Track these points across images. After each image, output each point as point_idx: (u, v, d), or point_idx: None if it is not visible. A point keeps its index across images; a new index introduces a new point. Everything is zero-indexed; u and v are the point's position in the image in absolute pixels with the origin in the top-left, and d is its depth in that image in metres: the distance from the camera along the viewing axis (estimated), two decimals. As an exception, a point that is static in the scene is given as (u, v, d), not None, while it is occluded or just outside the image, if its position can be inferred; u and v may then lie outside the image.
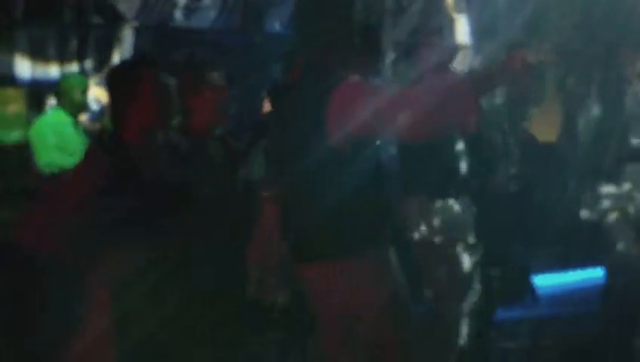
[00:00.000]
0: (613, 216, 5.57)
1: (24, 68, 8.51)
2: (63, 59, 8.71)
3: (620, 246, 5.53)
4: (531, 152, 6.90)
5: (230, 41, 9.04)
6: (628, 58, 5.68)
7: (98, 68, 8.87)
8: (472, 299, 5.02)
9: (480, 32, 9.22)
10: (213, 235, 3.91)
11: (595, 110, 5.74)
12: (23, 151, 7.38)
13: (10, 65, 8.44)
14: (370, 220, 3.74)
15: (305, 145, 3.72)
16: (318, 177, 3.69)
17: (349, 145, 3.65)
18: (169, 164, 3.88)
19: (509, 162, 5.88)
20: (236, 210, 4.22)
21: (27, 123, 7.81)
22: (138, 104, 3.79)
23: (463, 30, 9.49)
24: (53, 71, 8.68)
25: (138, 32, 9.03)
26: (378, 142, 3.83)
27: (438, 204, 5.06)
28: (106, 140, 3.96)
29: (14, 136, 8.13)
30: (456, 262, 5.03)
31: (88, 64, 8.90)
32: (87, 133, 7.10)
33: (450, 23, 9.47)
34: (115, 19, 8.96)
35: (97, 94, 7.77)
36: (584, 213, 5.73)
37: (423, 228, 5.04)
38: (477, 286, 5.05)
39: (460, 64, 5.58)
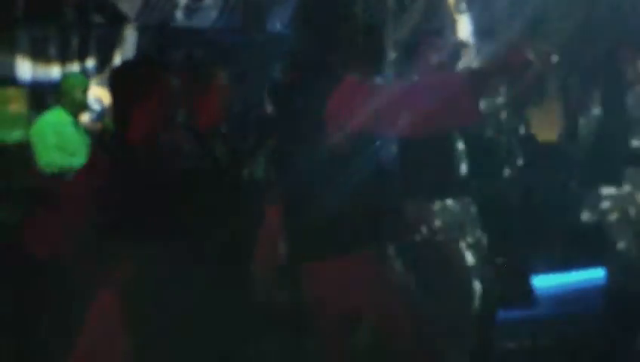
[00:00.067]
0: (613, 217, 5.57)
1: (25, 67, 8.51)
2: (64, 58, 8.71)
3: (621, 246, 5.53)
4: (532, 153, 6.90)
5: (231, 41, 9.04)
6: (629, 58, 5.67)
7: (99, 68, 8.87)
8: (472, 299, 5.02)
9: (482, 32, 9.21)
10: (217, 235, 3.91)
11: (596, 110, 5.73)
12: (24, 150, 7.38)
13: (11, 65, 8.44)
14: (370, 220, 3.74)
15: (305, 145, 3.72)
16: (318, 176, 3.69)
17: (348, 144, 3.65)
18: (172, 163, 3.88)
19: (510, 162, 5.88)
20: (240, 210, 4.21)
21: (28, 123, 7.81)
22: (141, 104, 3.79)
23: (464, 30, 9.47)
24: (54, 71, 8.68)
25: (139, 32, 9.03)
26: (378, 142, 3.83)
27: (438, 204, 5.06)
28: (108, 140, 3.96)
29: (15, 135, 8.13)
30: (457, 262, 5.03)
31: (90, 64, 8.89)
32: (89, 133, 7.11)
33: (452, 22, 9.46)
34: (117, 19, 8.96)
35: (99, 94, 7.76)
36: (585, 214, 5.73)
37: (424, 228, 5.04)
38: (477, 287, 5.04)
39: (462, 64, 5.57)
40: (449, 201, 5.07)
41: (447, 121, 3.75)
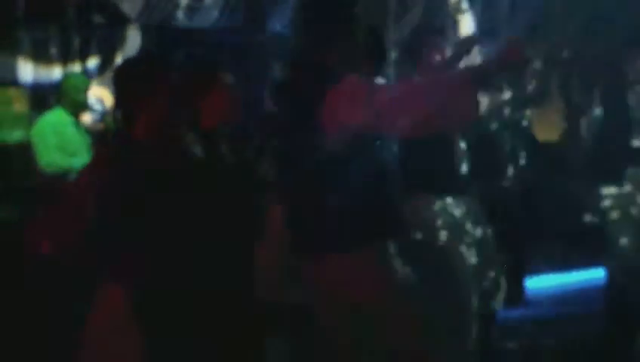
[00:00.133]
0: (614, 217, 5.57)
1: (26, 68, 8.51)
2: (65, 59, 8.71)
3: (621, 246, 5.53)
4: (533, 152, 6.90)
5: (232, 41, 9.04)
6: (630, 58, 5.68)
7: (100, 68, 8.86)
8: (472, 299, 5.02)
9: (483, 32, 9.21)
10: (221, 234, 3.91)
11: (598, 110, 5.74)
12: (25, 151, 7.39)
13: (12, 66, 8.43)
14: (371, 218, 3.74)
15: (305, 145, 3.72)
16: (318, 176, 3.70)
17: (348, 144, 3.65)
18: (177, 162, 3.88)
19: (511, 162, 5.88)
20: (244, 209, 4.21)
21: (29, 123, 7.81)
22: (146, 102, 3.79)
23: (466, 30, 9.49)
24: (55, 71, 8.68)
25: (141, 32, 9.03)
26: (378, 141, 3.83)
27: (439, 203, 5.06)
28: (110, 140, 3.96)
29: (16, 135, 8.13)
30: (457, 261, 5.03)
31: (91, 64, 8.89)
32: (91, 133, 7.11)
33: (454, 22, 9.48)
34: (118, 20, 8.96)
35: (100, 95, 7.77)
36: (585, 214, 5.73)
37: (424, 227, 5.04)
38: (477, 287, 5.05)
39: (462, 63, 5.58)
40: (450, 201, 5.07)
41: (446, 120, 3.75)
